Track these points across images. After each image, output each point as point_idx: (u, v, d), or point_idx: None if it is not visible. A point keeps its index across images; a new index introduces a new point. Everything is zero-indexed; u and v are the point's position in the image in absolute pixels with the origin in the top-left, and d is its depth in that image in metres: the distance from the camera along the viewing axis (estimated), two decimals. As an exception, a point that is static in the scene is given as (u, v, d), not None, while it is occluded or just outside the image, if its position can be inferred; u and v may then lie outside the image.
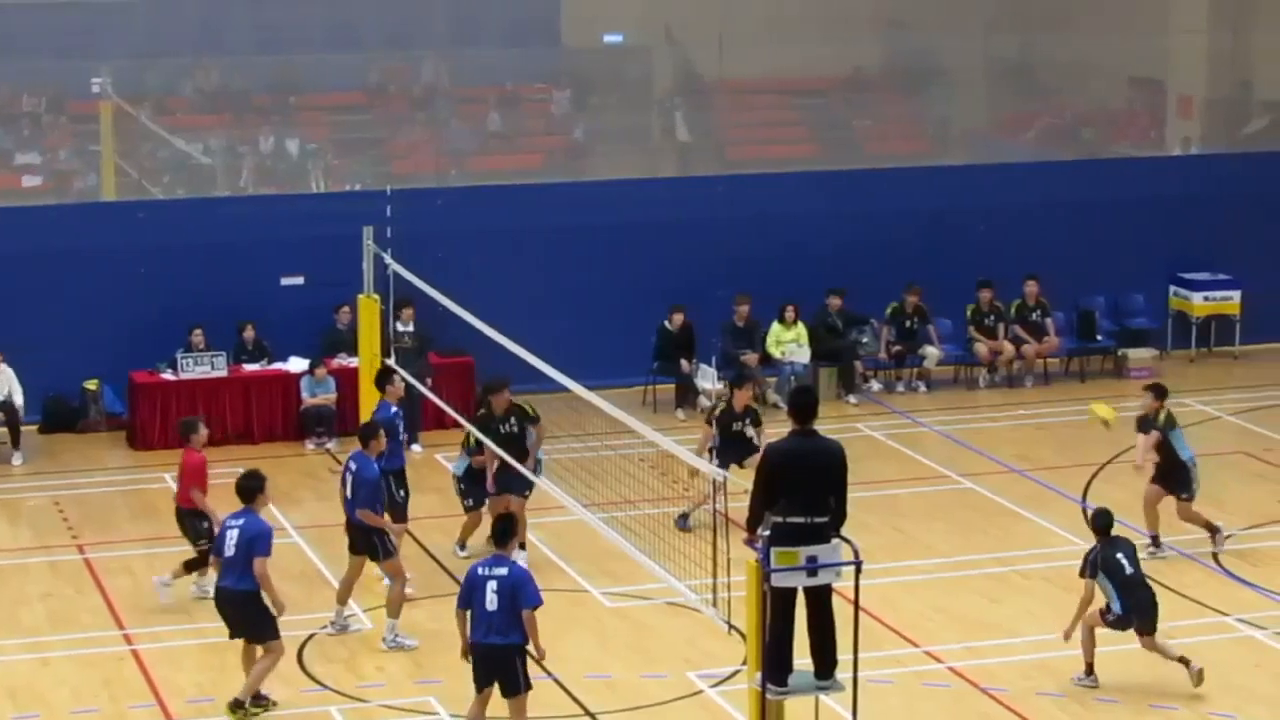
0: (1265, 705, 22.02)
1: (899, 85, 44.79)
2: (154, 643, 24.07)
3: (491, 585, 19.66)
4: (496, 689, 19.79)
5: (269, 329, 32.46)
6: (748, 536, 17.64)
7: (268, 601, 21.42)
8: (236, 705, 21.46)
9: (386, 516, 23.97)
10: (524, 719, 20.02)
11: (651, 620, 24.30)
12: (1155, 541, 26.42)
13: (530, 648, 19.76)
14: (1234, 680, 22.71)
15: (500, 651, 19.70)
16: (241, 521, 21.61)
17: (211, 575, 23.64)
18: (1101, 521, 22.53)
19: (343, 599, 24.27)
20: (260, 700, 21.70)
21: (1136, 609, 22.02)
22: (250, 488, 22.00)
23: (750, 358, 33.50)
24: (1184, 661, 22.03)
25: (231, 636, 21.85)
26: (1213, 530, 26.47)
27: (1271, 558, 26.53)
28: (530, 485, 25.68)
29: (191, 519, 25.03)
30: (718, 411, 28.20)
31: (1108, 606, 22.09)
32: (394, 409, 25.59)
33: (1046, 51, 44.16)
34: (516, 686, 19.88)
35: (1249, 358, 36.75)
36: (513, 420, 26.18)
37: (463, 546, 26.69)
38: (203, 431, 25.65)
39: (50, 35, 39.57)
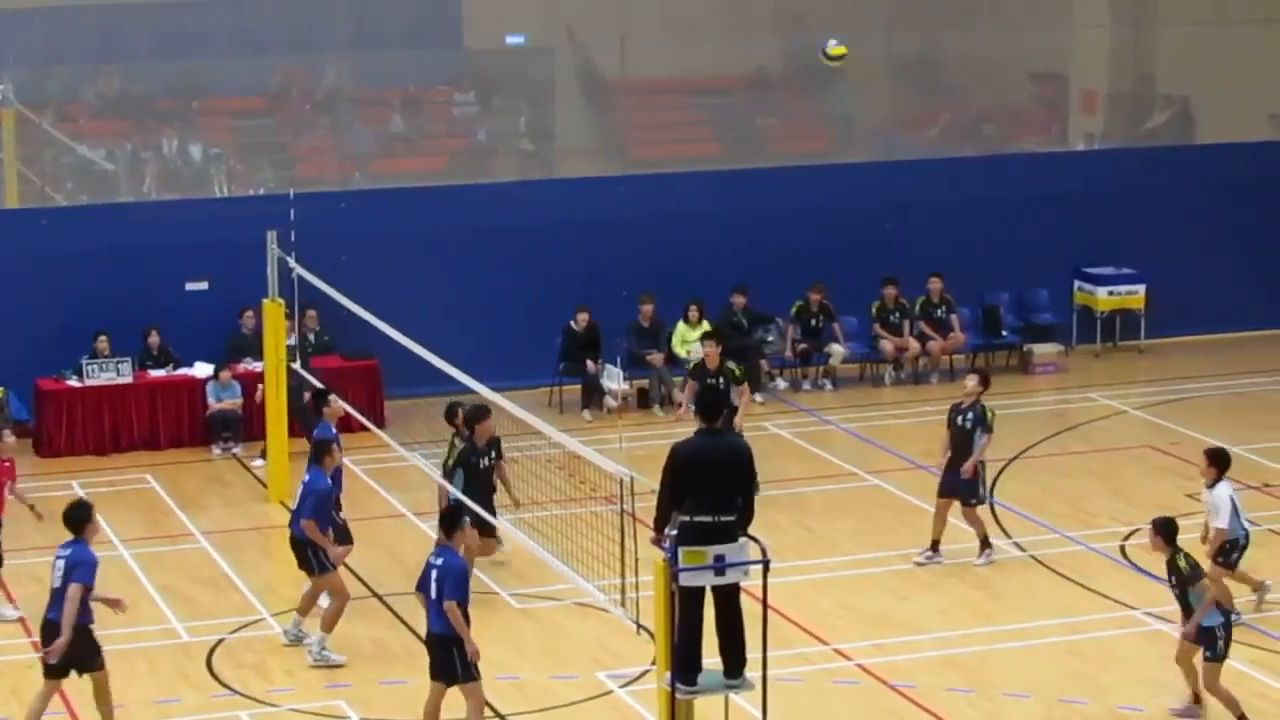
0: (1175, 697, 22.16)
1: (801, 84, 44.88)
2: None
3: (434, 574, 20.15)
4: None
5: (174, 334, 32.38)
6: (655, 536, 17.71)
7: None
8: None
9: (330, 536, 23.75)
10: (477, 706, 20.22)
11: (561, 621, 24.39)
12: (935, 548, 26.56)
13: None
14: (1142, 673, 22.94)
15: (438, 640, 20.21)
16: (69, 552, 20.77)
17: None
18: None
19: (304, 610, 24.06)
20: None
21: None
22: (77, 518, 21.05)
23: (656, 357, 33.58)
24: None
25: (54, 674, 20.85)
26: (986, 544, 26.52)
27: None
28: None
29: None
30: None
31: None
32: (333, 430, 25.39)
33: (948, 48, 44.27)
34: (454, 675, 20.19)
35: (1154, 352, 36.98)
36: (492, 453, 25.43)
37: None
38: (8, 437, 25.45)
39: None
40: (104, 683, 20.90)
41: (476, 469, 25.05)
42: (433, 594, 20.25)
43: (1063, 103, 45.38)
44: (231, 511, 28.63)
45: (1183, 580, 20.83)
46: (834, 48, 30.37)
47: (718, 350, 28.00)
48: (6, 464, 25.07)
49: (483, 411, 25.08)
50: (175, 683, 23.11)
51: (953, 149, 42.45)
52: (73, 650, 20.55)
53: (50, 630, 20.71)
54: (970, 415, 25.96)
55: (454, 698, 20.28)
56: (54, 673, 20.72)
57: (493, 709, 22.17)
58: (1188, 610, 20.92)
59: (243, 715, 22.24)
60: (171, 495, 29.69)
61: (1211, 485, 22.97)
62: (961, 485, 25.99)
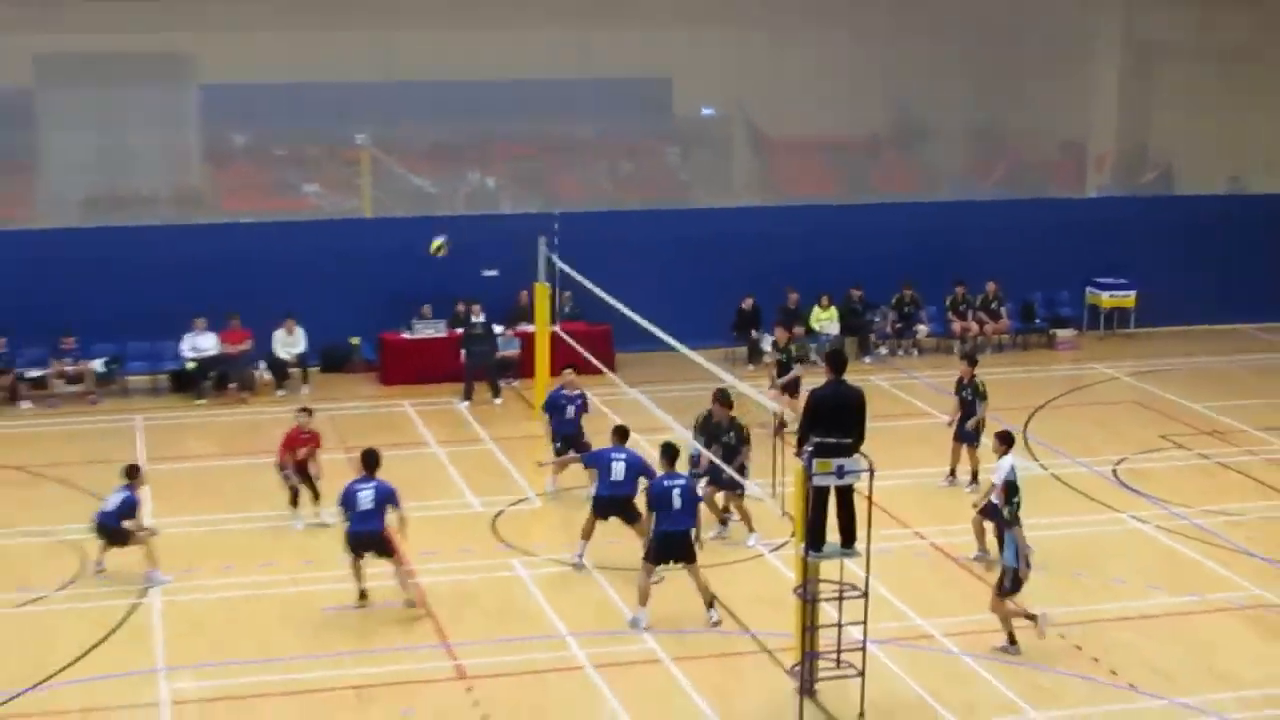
0: (1142, 573, 22.17)
1: (901, 143, 44.87)
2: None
3: (675, 492, 20.15)
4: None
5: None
6: (797, 451, 17.89)
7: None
8: None
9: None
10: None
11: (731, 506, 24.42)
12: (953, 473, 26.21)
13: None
14: (1123, 557, 22.97)
15: (684, 534, 20.34)
16: (373, 484, 20.49)
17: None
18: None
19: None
20: None
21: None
22: (371, 461, 20.80)
23: (798, 330, 33.50)
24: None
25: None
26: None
27: (1153, 475, 26.56)
28: (740, 487, 22.78)
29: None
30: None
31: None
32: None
33: (1005, 121, 44.13)
34: (693, 556, 20.32)
35: (1140, 338, 36.62)
36: (732, 434, 22.95)
37: (724, 524, 23.64)
38: (304, 416, 24.20)
39: (326, 106, 39.98)
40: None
41: (715, 439, 22.96)
42: (676, 504, 20.05)
43: (1082, 162, 45.12)
44: (509, 425, 28.91)
45: (1004, 523, 19.94)
46: (434, 245, 29.73)
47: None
48: (307, 436, 23.89)
49: (721, 395, 23.02)
50: (469, 540, 23.38)
51: (1005, 192, 42.29)
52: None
53: (366, 539, 20.46)
54: (969, 389, 25.69)
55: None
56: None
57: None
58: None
59: (515, 563, 22.48)
60: (470, 413, 30.10)
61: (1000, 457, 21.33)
62: (966, 435, 25.78)
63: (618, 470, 21.94)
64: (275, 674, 18.85)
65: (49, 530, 23.50)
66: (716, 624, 20.24)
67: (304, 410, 24.23)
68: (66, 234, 33.98)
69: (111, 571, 21.75)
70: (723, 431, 22.97)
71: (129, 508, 21.64)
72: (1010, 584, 19.45)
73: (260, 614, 20.63)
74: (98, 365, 31.14)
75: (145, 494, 22.57)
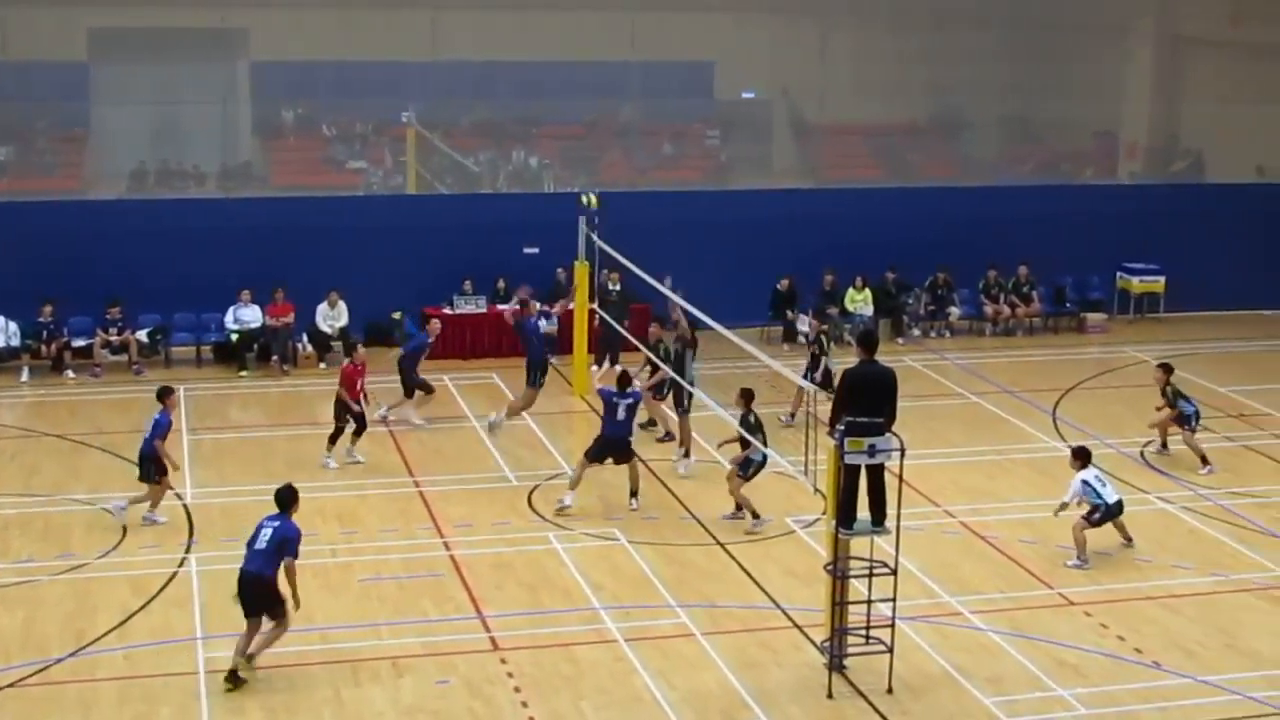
0: (1169, 553, 21.94)
1: (940, 131, 44.64)
2: (432, 487, 24.36)
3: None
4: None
5: (513, 282, 32.45)
6: (830, 429, 17.74)
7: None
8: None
9: None
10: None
11: (763, 483, 24.15)
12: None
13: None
14: (1151, 536, 22.67)
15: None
16: None
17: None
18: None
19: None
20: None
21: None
22: (286, 499, 18.06)
23: (833, 311, 33.38)
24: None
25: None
26: None
27: (1180, 456, 26.20)
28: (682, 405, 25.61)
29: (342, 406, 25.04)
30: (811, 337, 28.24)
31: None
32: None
33: (1040, 111, 43.91)
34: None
35: (1169, 322, 36.29)
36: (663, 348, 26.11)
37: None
38: (360, 351, 25.53)
39: (374, 84, 39.96)
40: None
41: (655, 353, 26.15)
42: (620, 415, 23.08)
43: (1114, 151, 44.95)
44: (549, 400, 28.75)
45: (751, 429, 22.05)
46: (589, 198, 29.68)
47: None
48: (361, 366, 25.10)
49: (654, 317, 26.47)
50: (507, 511, 23.26)
51: (1040, 179, 42.10)
52: None
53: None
54: None
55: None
56: None
57: (712, 536, 22.29)
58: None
59: (550, 535, 22.36)
60: (509, 388, 29.94)
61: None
62: None
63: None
64: (313, 644, 18.67)
65: (93, 498, 23.38)
66: (634, 510, 22.89)
67: (353, 346, 25.71)
68: (116, 205, 33.99)
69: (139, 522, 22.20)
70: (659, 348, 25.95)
71: (161, 429, 22.12)
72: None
73: (302, 583, 20.43)
74: (142, 335, 31.04)
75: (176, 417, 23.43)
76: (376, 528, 22.33)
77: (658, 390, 26.48)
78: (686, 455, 25.41)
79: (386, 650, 18.55)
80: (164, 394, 22.56)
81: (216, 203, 34.52)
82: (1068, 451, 25.13)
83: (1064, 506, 21.93)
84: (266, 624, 17.66)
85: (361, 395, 25.04)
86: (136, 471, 22.52)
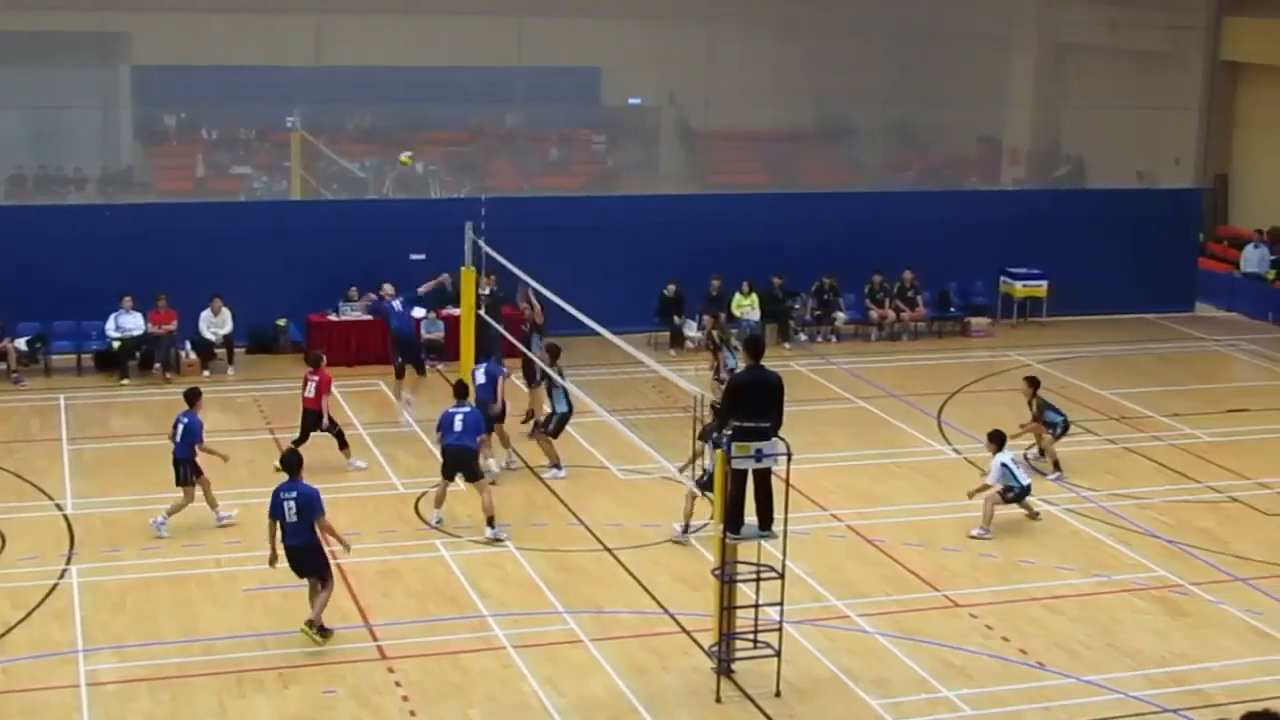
0: (1051, 554, 22.12)
1: (825, 137, 44.79)
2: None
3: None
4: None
5: (401, 288, 32.16)
6: (714, 435, 17.74)
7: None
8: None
9: None
10: None
11: (651, 488, 24.35)
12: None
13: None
14: (1033, 533, 22.86)
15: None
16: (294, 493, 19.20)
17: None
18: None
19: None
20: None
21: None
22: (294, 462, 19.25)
23: (719, 317, 33.41)
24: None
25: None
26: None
27: (1062, 458, 26.31)
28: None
29: (314, 416, 25.02)
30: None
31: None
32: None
33: (923, 117, 44.12)
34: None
35: (1051, 326, 36.62)
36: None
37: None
38: (324, 360, 25.69)
39: (258, 89, 39.56)
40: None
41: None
42: (458, 428, 22.39)
43: (997, 156, 45.21)
44: (434, 406, 28.58)
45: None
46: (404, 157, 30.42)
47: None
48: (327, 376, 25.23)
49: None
50: (394, 519, 23.12)
51: (924, 185, 42.32)
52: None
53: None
54: None
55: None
56: None
57: (600, 542, 22.26)
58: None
59: (438, 543, 22.23)
60: (394, 394, 29.73)
61: None
62: None
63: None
64: (197, 655, 18.48)
65: (-29, 509, 23.01)
66: (495, 540, 22.11)
67: (318, 357, 25.59)
68: (-7, 212, 33.44)
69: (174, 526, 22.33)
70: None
71: (196, 433, 22.24)
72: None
73: (183, 594, 20.25)
74: (21, 344, 30.57)
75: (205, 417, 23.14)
76: (261, 537, 21.99)
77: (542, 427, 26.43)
78: (533, 424, 26.07)
79: (272, 660, 18.38)
80: (193, 396, 22.62)
81: (97, 208, 34.04)
82: (953, 455, 25.41)
83: (984, 488, 23.09)
84: (320, 588, 18.79)
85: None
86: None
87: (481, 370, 25.20)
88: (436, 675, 18.09)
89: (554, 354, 25.14)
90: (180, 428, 22.29)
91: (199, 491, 22.43)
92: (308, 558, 18.83)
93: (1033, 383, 26.32)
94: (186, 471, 22.30)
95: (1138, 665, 18.85)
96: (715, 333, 28.14)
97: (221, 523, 22.53)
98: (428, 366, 30.94)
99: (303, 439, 24.69)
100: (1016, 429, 25.94)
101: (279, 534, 18.87)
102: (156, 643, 18.76)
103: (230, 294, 31.26)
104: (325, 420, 25.00)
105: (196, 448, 22.26)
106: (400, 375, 28.06)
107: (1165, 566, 21.90)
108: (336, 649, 18.69)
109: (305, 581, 19.03)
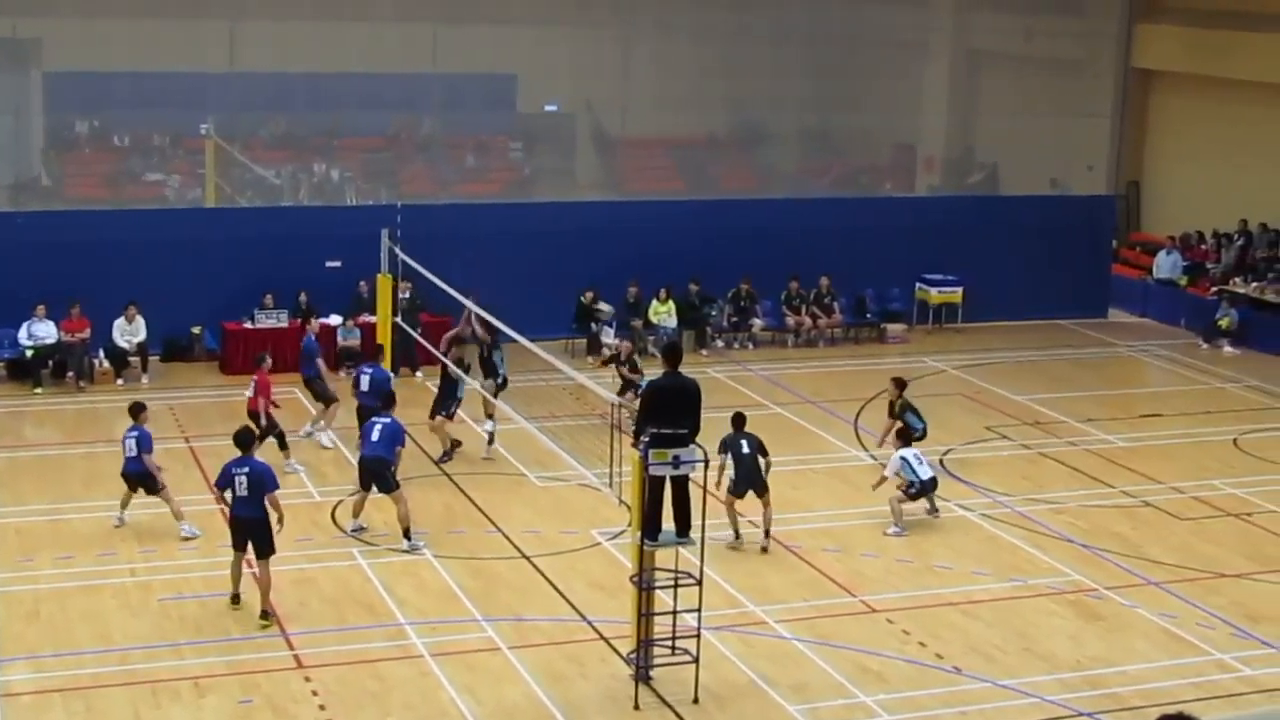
0: (968, 559, 22.27)
1: (740, 144, 44.99)
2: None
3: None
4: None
5: (317, 296, 32.09)
6: (634, 441, 17.77)
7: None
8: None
9: None
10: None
11: (568, 495, 24.37)
12: None
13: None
14: (950, 542, 23.01)
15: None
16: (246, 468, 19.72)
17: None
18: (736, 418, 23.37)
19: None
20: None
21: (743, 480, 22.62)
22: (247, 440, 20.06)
23: (636, 324, 33.53)
24: None
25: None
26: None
27: (978, 464, 26.73)
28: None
29: (254, 418, 24.85)
30: (621, 358, 28.32)
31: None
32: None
33: (839, 123, 44.45)
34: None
35: (967, 332, 36.86)
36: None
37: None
38: (268, 361, 25.62)
39: (171, 95, 39.33)
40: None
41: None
42: (374, 437, 22.22)
43: (912, 163, 45.55)
44: (348, 416, 28.49)
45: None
46: None
47: (629, 347, 28.60)
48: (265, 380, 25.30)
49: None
50: (309, 527, 22.93)
51: (840, 191, 42.59)
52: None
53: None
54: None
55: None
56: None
57: (518, 549, 22.25)
58: None
59: (354, 551, 22.13)
60: (309, 402, 29.55)
61: None
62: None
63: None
64: (112, 665, 18.35)
65: (-118, 518, 22.75)
66: (416, 549, 22.05)
67: (262, 358, 25.63)
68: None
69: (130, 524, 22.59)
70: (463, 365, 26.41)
71: (145, 444, 22.29)
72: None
73: (98, 604, 20.09)
74: (-68, 353, 30.32)
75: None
76: (176, 546, 21.96)
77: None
78: (490, 417, 26.44)
79: (188, 670, 18.27)
80: (137, 410, 22.56)
81: (9, 216, 33.73)
82: (870, 461, 25.54)
83: (882, 480, 23.50)
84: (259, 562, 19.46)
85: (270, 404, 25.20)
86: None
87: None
88: (354, 684, 18.04)
89: (493, 334, 25.89)
90: (130, 443, 22.27)
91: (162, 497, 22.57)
92: (255, 530, 19.47)
93: (899, 384, 26.31)
94: (152, 482, 22.40)
95: (1053, 669, 19.02)
96: (635, 357, 28.26)
97: (185, 535, 22.42)
98: (344, 373, 30.89)
99: (272, 433, 25.06)
100: (879, 440, 26.24)
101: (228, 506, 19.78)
102: (71, 653, 18.60)
103: (145, 302, 30.98)
104: (264, 421, 24.84)
105: (145, 458, 22.29)
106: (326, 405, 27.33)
107: (1079, 571, 22.10)
108: (251, 658, 18.59)
109: (225, 591, 18.94)
